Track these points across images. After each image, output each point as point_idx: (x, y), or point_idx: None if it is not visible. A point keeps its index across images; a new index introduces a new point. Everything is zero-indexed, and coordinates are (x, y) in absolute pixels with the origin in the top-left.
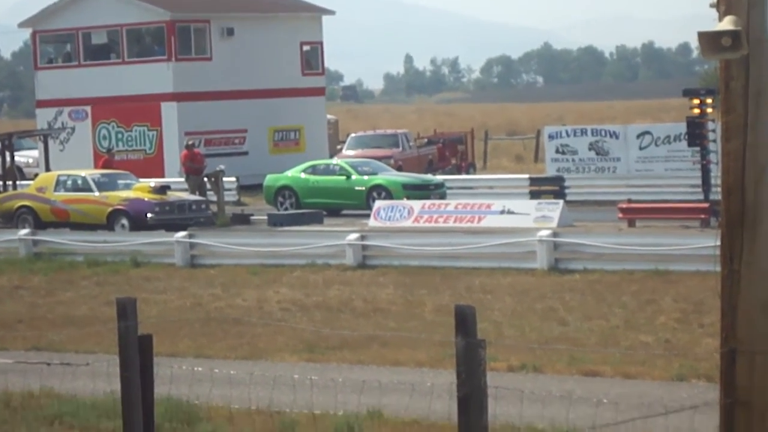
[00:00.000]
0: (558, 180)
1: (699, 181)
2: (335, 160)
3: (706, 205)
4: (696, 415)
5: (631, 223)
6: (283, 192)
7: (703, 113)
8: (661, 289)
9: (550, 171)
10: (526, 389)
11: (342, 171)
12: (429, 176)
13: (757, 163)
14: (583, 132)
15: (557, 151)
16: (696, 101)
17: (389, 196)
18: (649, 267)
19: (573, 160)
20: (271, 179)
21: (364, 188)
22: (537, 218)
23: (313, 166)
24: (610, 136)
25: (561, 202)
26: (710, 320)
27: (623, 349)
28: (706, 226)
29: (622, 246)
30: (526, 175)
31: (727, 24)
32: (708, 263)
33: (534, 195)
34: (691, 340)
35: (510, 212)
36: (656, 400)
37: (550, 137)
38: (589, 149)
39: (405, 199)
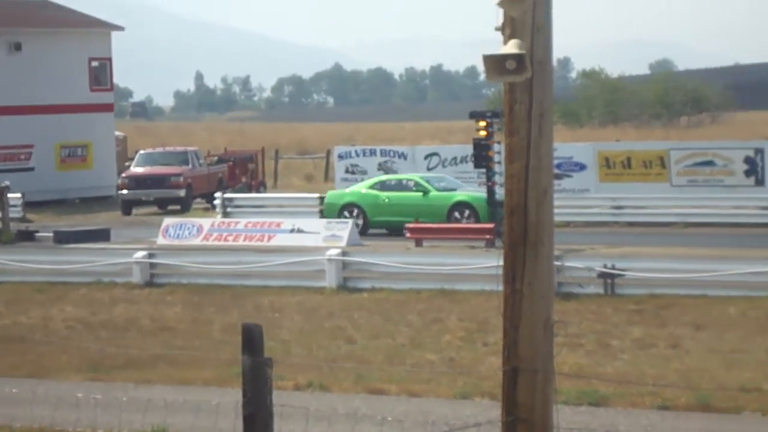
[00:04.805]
0: None
1: None
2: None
3: (491, 225)
4: None
5: (419, 243)
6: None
7: (489, 135)
8: (447, 308)
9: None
10: (312, 407)
11: None
12: None
13: (539, 184)
14: (372, 152)
15: (347, 171)
16: (482, 123)
17: None
18: (435, 286)
19: (363, 179)
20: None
21: None
22: (326, 237)
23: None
24: (399, 156)
25: (350, 221)
26: (494, 339)
27: (409, 367)
28: (491, 246)
29: (409, 265)
30: (316, 195)
31: (511, 47)
32: (492, 282)
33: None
34: (475, 358)
35: (300, 231)
36: (440, 417)
37: (340, 157)
38: (378, 169)
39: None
